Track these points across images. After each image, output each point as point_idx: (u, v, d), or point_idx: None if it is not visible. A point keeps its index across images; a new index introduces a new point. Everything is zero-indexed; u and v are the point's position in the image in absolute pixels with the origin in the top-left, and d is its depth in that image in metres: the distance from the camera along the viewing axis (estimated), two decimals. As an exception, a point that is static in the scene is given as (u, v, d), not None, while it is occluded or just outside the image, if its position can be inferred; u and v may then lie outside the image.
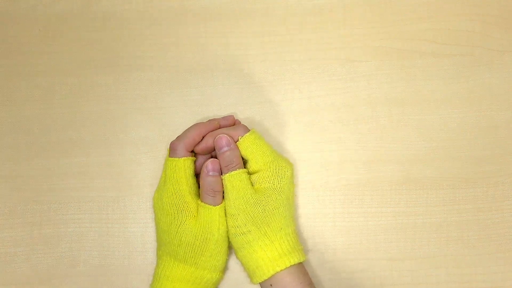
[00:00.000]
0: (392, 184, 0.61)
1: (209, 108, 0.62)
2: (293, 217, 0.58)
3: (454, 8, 0.63)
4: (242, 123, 0.60)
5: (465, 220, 0.61)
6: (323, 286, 0.60)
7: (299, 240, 0.57)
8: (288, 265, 0.54)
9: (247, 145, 0.56)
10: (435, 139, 0.62)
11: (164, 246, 0.56)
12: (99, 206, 0.61)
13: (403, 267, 0.60)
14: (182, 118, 0.62)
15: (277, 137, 0.62)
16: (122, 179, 0.61)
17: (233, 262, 0.60)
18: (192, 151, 0.57)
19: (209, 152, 0.57)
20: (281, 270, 0.54)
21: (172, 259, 0.55)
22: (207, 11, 0.63)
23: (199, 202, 0.56)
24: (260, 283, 0.55)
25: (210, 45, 0.63)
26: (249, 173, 0.56)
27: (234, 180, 0.55)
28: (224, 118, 0.59)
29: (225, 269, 0.59)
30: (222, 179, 0.55)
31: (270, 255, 0.54)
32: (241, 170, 0.55)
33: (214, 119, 0.58)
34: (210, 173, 0.55)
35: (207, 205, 0.55)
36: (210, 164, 0.55)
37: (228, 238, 0.56)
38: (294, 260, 0.54)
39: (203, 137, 0.56)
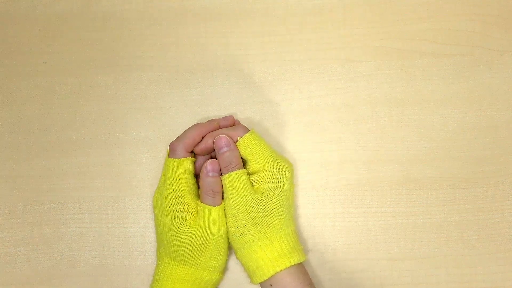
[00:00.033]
0: (392, 184, 0.61)
1: (209, 108, 0.62)
2: (293, 217, 0.58)
3: (454, 8, 0.63)
4: (242, 123, 0.60)
5: (465, 220, 0.61)
6: (323, 286, 0.60)
7: (299, 240, 0.57)
8: (288, 265, 0.54)
9: (246, 146, 0.56)
10: (435, 139, 0.62)
11: (163, 246, 0.56)
12: (99, 206, 0.61)
13: (403, 267, 0.60)
14: (182, 118, 0.62)
15: (277, 137, 0.62)
16: (122, 179, 0.61)
17: (233, 263, 0.60)
18: (192, 152, 0.57)
19: (208, 153, 0.57)
20: (281, 270, 0.54)
21: (172, 260, 0.55)
22: (207, 11, 0.63)
23: (199, 202, 0.56)
24: (260, 283, 0.55)
25: (210, 45, 0.63)
26: (249, 174, 0.56)
27: (233, 180, 0.55)
28: (223, 118, 0.59)
29: (224, 269, 0.59)
30: (221, 180, 0.56)
31: (270, 255, 0.54)
32: (240, 170, 0.55)
33: (213, 120, 0.58)
34: (210, 174, 0.55)
35: (206, 206, 0.55)
36: (209, 164, 0.55)
37: (228, 238, 0.56)
38: (294, 260, 0.54)
39: (202, 138, 0.56)
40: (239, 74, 0.62)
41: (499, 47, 0.62)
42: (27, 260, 0.60)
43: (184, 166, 0.56)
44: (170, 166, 0.56)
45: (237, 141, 0.56)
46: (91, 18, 0.63)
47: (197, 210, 0.56)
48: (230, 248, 0.57)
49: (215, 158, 0.56)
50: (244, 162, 0.57)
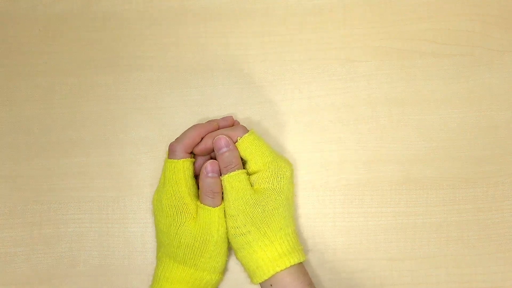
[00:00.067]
0: (392, 184, 0.61)
1: (209, 108, 0.62)
2: (293, 217, 0.58)
3: (454, 8, 0.63)
4: (242, 123, 0.60)
5: (465, 220, 0.61)
6: (323, 286, 0.60)
7: (299, 240, 0.57)
8: (288, 265, 0.54)
9: (246, 146, 0.56)
10: (435, 139, 0.62)
11: (163, 247, 0.56)
12: (99, 206, 0.61)
13: (403, 267, 0.60)
14: (182, 118, 0.62)
15: (277, 137, 0.62)
16: (122, 179, 0.61)
17: (233, 263, 0.60)
18: (191, 153, 0.57)
19: (208, 153, 0.57)
20: (281, 270, 0.54)
21: (172, 261, 0.55)
22: (207, 11, 0.63)
23: (199, 203, 0.56)
24: (260, 283, 0.55)
25: (210, 45, 0.63)
26: (248, 174, 0.56)
27: (233, 181, 0.55)
28: (223, 118, 0.59)
29: (224, 270, 0.59)
30: (221, 180, 0.56)
31: (270, 255, 0.54)
32: (240, 170, 0.55)
33: (213, 120, 0.58)
34: (209, 174, 0.55)
35: (206, 207, 0.55)
36: (209, 165, 0.55)
37: (228, 239, 0.56)
38: (294, 260, 0.54)
39: (202, 138, 0.56)
40: (239, 74, 0.62)
41: (499, 47, 0.62)
42: (27, 260, 0.60)
43: (183, 167, 0.56)
44: (169, 167, 0.56)
45: (236, 141, 0.56)
46: (91, 18, 0.63)
47: (196, 211, 0.56)
48: (230, 249, 0.58)
49: (215, 158, 0.56)
50: (243, 163, 0.57)
